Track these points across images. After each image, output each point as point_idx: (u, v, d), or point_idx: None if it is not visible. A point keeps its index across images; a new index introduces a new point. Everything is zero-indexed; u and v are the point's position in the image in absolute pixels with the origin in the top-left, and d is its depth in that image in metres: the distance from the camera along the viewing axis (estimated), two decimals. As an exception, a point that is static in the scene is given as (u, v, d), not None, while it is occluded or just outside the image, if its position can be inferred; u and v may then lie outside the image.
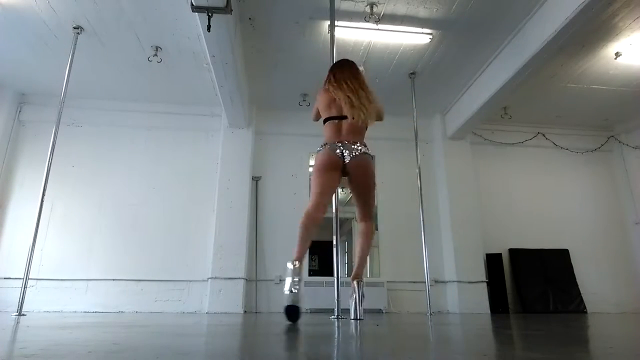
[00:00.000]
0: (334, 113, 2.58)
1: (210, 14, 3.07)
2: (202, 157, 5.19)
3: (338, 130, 2.54)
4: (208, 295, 4.57)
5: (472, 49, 4.27)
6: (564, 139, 5.93)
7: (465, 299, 4.85)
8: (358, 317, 2.35)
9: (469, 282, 4.93)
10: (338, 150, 2.47)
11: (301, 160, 5.40)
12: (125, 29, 3.91)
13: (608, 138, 6.01)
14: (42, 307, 4.42)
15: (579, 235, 5.55)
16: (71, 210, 4.80)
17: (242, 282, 4.61)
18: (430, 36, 4.01)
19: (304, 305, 4.68)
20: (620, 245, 5.61)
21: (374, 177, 2.56)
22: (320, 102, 2.68)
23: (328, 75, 2.72)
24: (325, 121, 2.62)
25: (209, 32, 3.17)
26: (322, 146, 2.53)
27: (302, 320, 2.74)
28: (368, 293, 4.81)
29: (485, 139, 5.77)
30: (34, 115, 5.05)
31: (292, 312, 2.22)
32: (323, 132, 2.59)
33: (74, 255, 4.66)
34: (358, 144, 2.50)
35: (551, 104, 5.37)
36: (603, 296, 5.30)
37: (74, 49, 3.89)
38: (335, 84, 2.63)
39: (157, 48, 4.19)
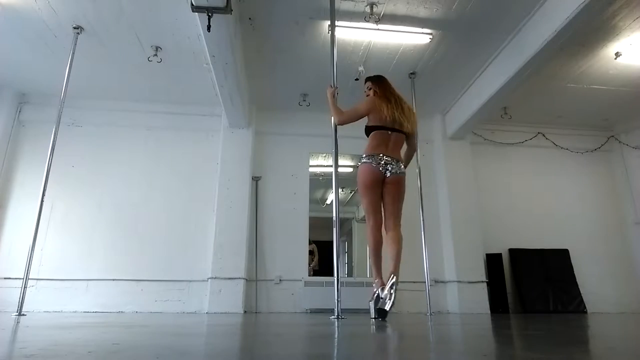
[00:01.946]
0: (385, 124, 2.82)
1: (210, 14, 3.07)
2: (202, 157, 5.19)
3: (385, 142, 2.80)
4: (208, 295, 4.56)
5: (472, 49, 4.27)
6: (564, 139, 5.93)
7: (465, 299, 4.85)
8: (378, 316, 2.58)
9: (469, 282, 4.93)
10: (381, 166, 2.75)
11: (301, 160, 5.40)
12: (125, 29, 3.91)
13: (608, 138, 6.01)
14: (42, 307, 4.42)
15: (579, 235, 5.55)
16: (71, 210, 4.80)
17: (242, 282, 4.61)
18: (430, 36, 4.01)
19: (310, 305, 4.69)
20: (620, 245, 5.61)
21: (404, 188, 2.86)
22: (370, 109, 2.87)
23: (369, 86, 3.02)
24: (372, 130, 2.84)
25: (209, 32, 3.17)
26: (367, 158, 2.78)
27: (303, 320, 2.74)
28: (368, 293, 4.82)
29: (485, 139, 5.77)
30: (34, 115, 5.05)
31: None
32: (369, 141, 2.86)
33: (74, 255, 4.66)
34: (399, 161, 2.84)
35: (551, 104, 5.36)
36: (603, 296, 5.30)
37: (74, 49, 3.89)
38: (381, 96, 2.89)
39: (157, 48, 4.19)
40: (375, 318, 2.64)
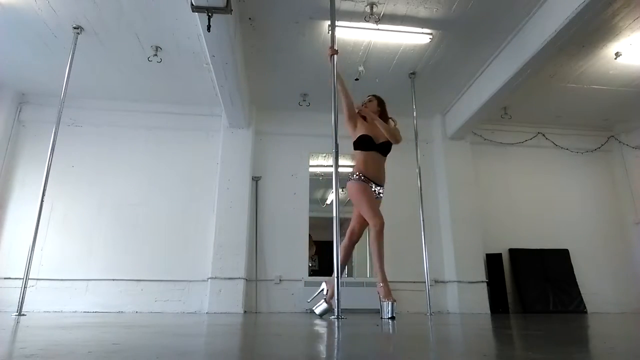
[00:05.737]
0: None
1: (210, 14, 3.07)
2: (202, 157, 5.19)
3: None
4: (208, 295, 4.57)
5: (472, 49, 4.27)
6: (564, 139, 5.93)
7: (465, 299, 4.85)
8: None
9: (469, 282, 4.93)
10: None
11: (301, 160, 5.40)
12: (125, 29, 3.91)
13: (608, 138, 6.01)
14: (42, 307, 4.42)
15: (579, 235, 5.55)
16: (71, 210, 4.80)
17: (242, 282, 4.61)
18: (430, 36, 4.01)
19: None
20: (620, 245, 5.61)
21: (353, 197, 3.29)
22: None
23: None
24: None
25: (209, 32, 3.17)
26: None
27: (303, 320, 2.74)
28: (368, 293, 4.82)
29: (485, 139, 5.77)
30: (34, 115, 5.05)
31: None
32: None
33: (74, 255, 4.66)
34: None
35: (551, 104, 5.36)
36: (603, 296, 5.30)
37: (74, 49, 3.89)
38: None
39: (157, 48, 4.19)
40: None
